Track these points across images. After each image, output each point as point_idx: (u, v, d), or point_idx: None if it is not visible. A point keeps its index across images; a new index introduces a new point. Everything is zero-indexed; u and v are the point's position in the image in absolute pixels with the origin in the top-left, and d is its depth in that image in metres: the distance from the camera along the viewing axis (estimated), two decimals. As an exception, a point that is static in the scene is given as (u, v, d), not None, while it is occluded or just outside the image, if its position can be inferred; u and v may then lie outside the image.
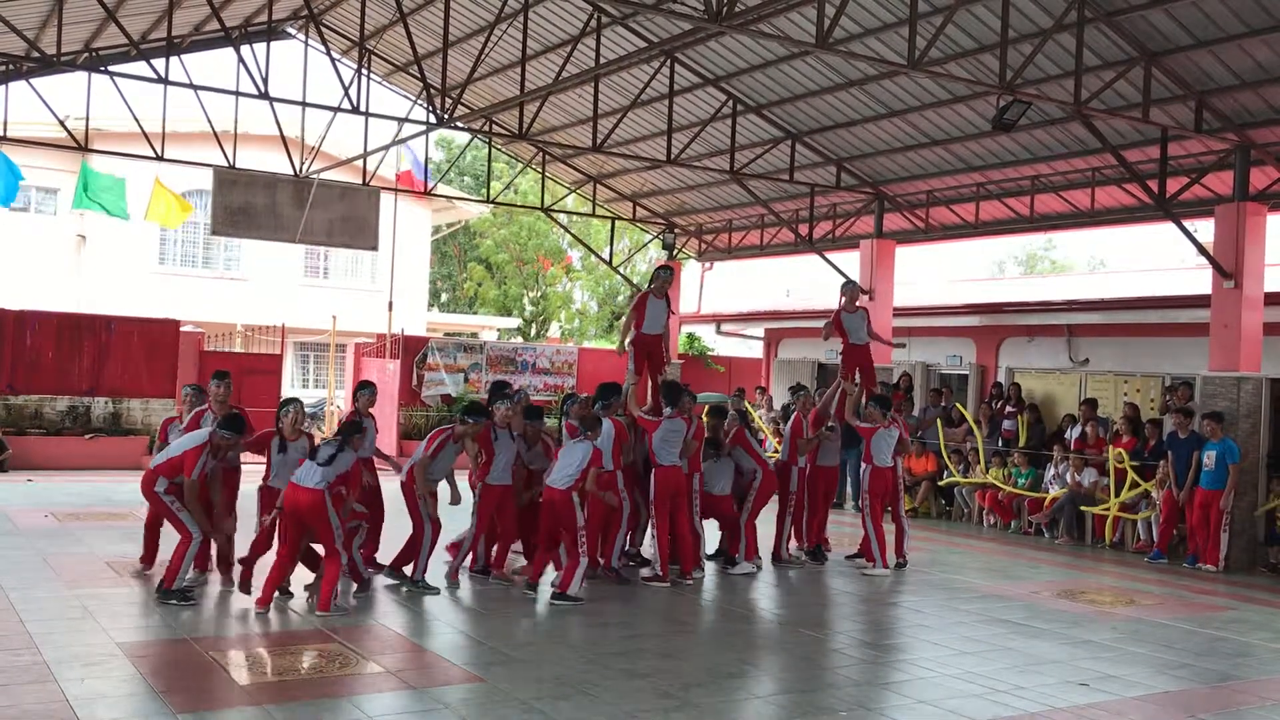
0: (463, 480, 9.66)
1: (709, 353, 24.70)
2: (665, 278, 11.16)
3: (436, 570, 9.48)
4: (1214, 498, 12.22)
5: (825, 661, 7.76)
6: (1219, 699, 7.10)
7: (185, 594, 8.41)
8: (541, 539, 9.53)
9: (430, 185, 20.67)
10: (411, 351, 21.00)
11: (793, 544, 11.75)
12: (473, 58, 15.42)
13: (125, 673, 6.62)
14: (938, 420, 16.33)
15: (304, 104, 15.79)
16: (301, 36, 18.42)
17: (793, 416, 11.85)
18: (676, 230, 22.29)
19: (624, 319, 11.31)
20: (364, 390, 10.01)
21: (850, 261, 18.11)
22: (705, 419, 10.89)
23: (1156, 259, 27.71)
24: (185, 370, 18.55)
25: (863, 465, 11.52)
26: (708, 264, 23.87)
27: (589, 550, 9.23)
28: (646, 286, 11.40)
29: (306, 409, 9.61)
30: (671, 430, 10.04)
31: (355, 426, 8.87)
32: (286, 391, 22.94)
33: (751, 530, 10.97)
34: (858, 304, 12.20)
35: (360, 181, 18.34)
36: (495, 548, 9.98)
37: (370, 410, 9.98)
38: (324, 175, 17.97)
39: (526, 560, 10.24)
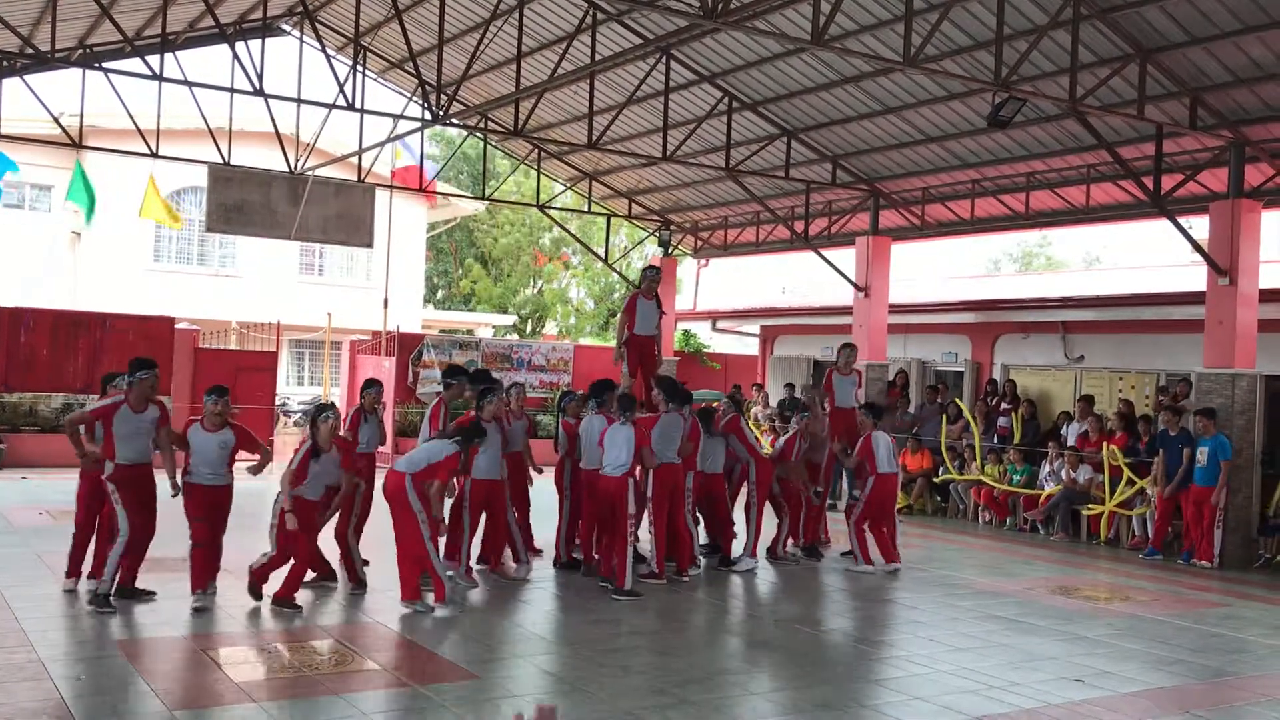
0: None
1: (704, 350, 24.70)
2: (653, 277, 11.24)
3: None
4: (1207, 494, 12.26)
5: (821, 658, 7.77)
6: (1214, 695, 7.12)
7: (107, 599, 7.98)
8: (599, 530, 9.83)
9: (430, 180, 20.63)
10: (407, 349, 20.98)
11: (789, 542, 11.75)
12: (468, 54, 15.39)
13: (121, 670, 6.62)
14: (942, 417, 16.30)
15: (299, 101, 15.79)
16: (296, 33, 18.38)
17: (788, 436, 11.84)
18: (672, 227, 22.28)
19: (617, 322, 11.35)
20: (370, 388, 10.02)
21: (846, 258, 18.11)
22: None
23: (1151, 256, 27.79)
24: (181, 367, 18.54)
25: (870, 478, 11.31)
26: (703, 261, 23.87)
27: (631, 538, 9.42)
28: (635, 288, 11.43)
29: (299, 406, 9.49)
30: (670, 425, 10.04)
31: (477, 429, 8.83)
32: (281, 389, 22.92)
33: (759, 526, 10.99)
34: (853, 368, 12.35)
35: (355, 178, 18.31)
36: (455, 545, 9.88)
37: (376, 407, 9.99)
38: (319, 172, 17.94)
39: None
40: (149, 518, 8.35)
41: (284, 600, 8.34)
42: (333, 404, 8.84)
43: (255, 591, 8.43)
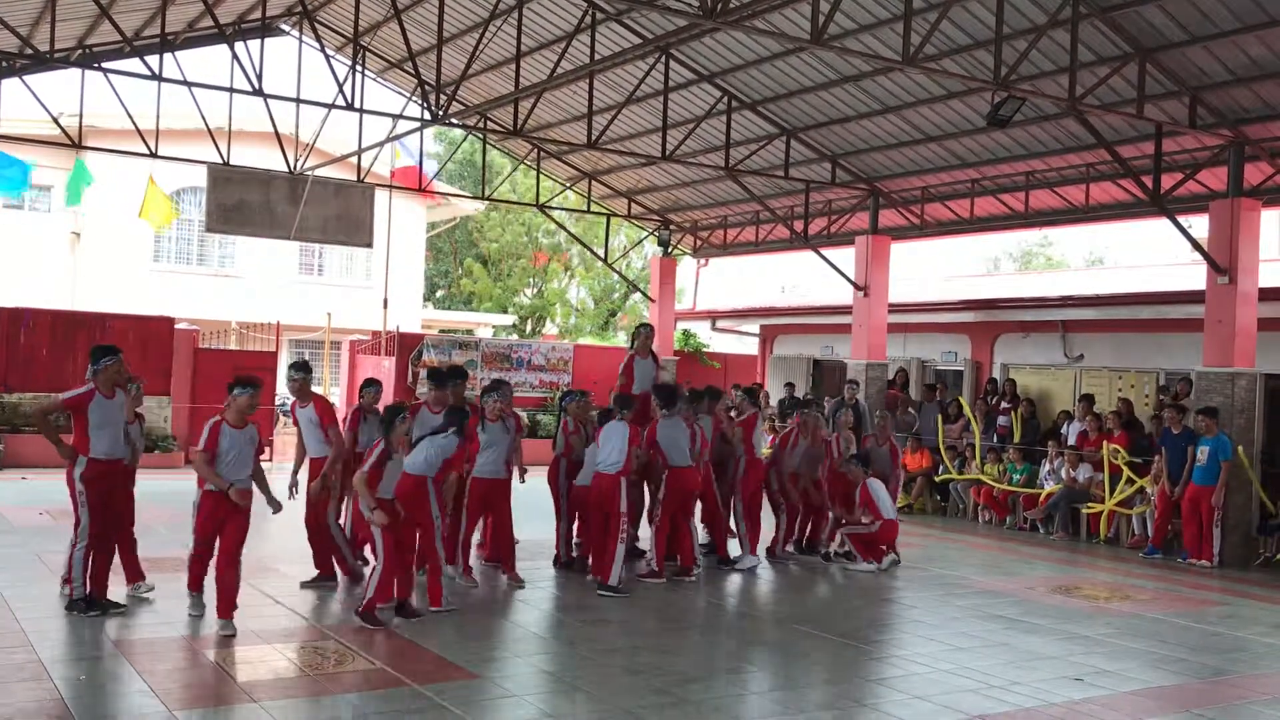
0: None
1: (704, 349, 24.72)
2: (646, 334, 11.28)
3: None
4: (1206, 493, 12.26)
5: (821, 657, 7.77)
6: (1213, 694, 7.12)
7: (86, 603, 7.75)
8: (595, 528, 9.80)
9: (429, 180, 20.63)
10: (407, 348, 20.97)
11: (788, 542, 11.75)
12: (467, 54, 15.40)
13: (121, 670, 6.62)
14: (939, 416, 16.31)
15: (298, 101, 15.79)
16: (296, 33, 18.38)
17: (783, 433, 11.81)
18: (672, 227, 22.29)
19: (618, 381, 11.35)
20: (369, 387, 10.03)
21: (845, 258, 18.12)
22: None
23: (1151, 255, 27.79)
24: (180, 367, 18.54)
25: (877, 522, 11.18)
26: (703, 260, 23.87)
27: (628, 538, 9.42)
28: (630, 349, 11.45)
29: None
30: (672, 429, 10.01)
31: (463, 413, 8.78)
32: (281, 389, 22.89)
33: (755, 524, 10.97)
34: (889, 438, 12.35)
35: (355, 178, 18.31)
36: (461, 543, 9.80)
37: (376, 407, 10.00)
38: (318, 172, 17.93)
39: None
40: (113, 519, 7.98)
41: (405, 607, 8.08)
42: (404, 406, 8.61)
43: (373, 617, 7.96)
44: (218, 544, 7.69)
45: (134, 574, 8.44)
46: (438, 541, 8.45)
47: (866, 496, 11.21)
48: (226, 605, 7.55)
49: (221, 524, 7.63)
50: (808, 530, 11.91)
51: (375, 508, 7.89)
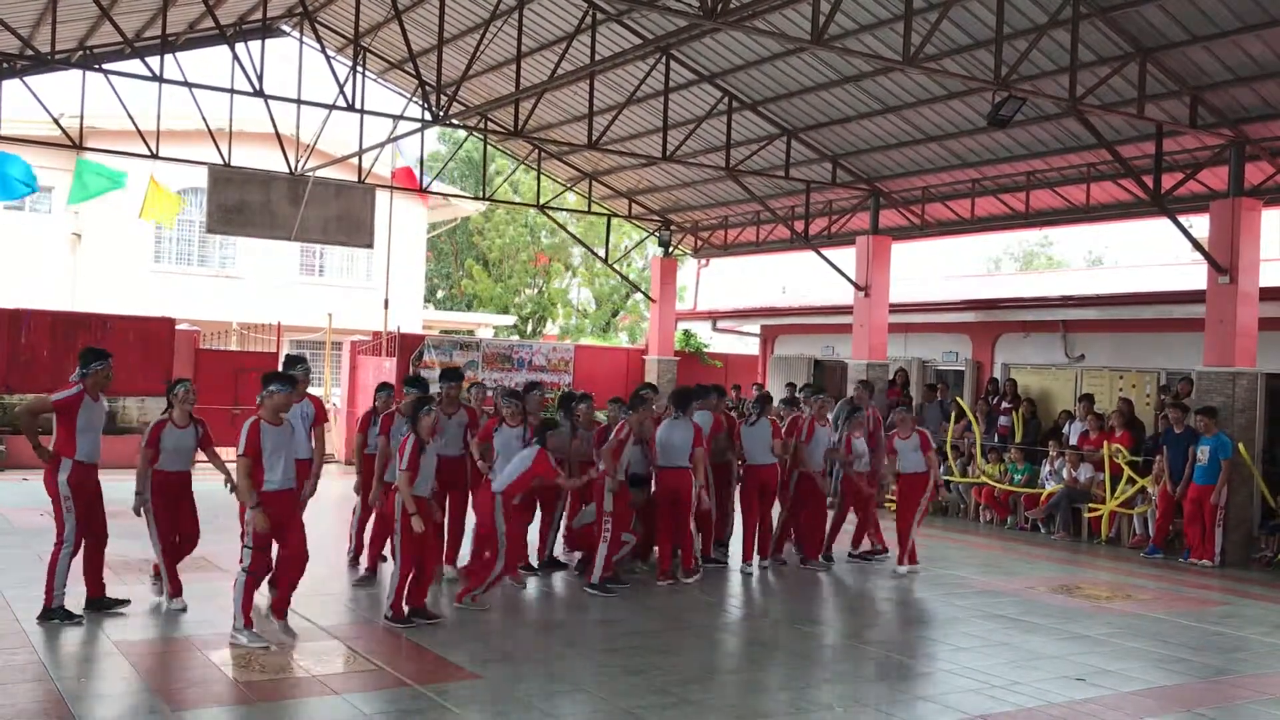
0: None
1: (705, 349, 24.73)
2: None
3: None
4: (1207, 493, 12.26)
5: (821, 657, 7.77)
6: (1215, 693, 7.12)
7: (68, 613, 7.59)
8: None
9: (428, 182, 20.62)
10: (408, 349, 20.96)
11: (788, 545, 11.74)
12: (468, 55, 15.40)
13: (122, 671, 6.62)
14: (950, 415, 16.27)
15: (299, 101, 15.79)
16: (296, 34, 18.39)
17: (795, 418, 11.74)
18: (672, 227, 22.29)
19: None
20: (382, 391, 10.04)
21: (846, 258, 18.11)
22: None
23: (1152, 254, 27.80)
24: (181, 368, 18.52)
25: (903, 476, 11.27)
26: (703, 261, 23.87)
27: (611, 539, 9.41)
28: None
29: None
30: (671, 428, 10.01)
31: (550, 423, 8.80)
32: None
33: (751, 528, 10.98)
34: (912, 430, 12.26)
35: (356, 179, 18.31)
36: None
37: (391, 409, 10.00)
38: (319, 173, 17.93)
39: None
40: (102, 521, 7.90)
41: (420, 611, 8.03)
42: (433, 397, 8.50)
43: (402, 619, 7.94)
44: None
45: (178, 586, 8.18)
46: (501, 551, 8.58)
47: (891, 447, 11.24)
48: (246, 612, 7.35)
49: (290, 520, 7.44)
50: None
51: (415, 511, 7.70)
